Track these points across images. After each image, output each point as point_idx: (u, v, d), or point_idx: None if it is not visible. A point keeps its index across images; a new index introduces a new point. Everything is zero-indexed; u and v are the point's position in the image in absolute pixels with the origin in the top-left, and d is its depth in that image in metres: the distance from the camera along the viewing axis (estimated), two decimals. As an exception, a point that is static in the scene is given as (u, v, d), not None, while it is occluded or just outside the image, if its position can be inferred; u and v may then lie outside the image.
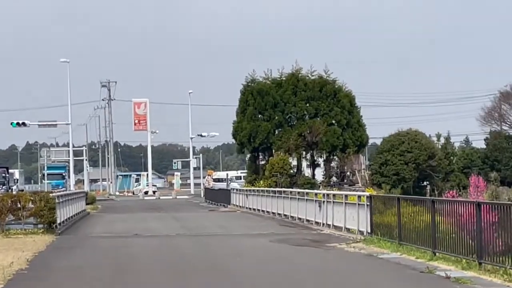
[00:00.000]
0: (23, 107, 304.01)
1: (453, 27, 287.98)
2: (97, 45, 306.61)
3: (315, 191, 34.10)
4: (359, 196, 25.62)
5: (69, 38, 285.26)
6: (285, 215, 37.31)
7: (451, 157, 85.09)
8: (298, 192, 35.22)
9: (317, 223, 31.26)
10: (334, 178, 74.05)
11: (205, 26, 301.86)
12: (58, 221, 32.04)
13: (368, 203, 24.25)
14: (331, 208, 28.94)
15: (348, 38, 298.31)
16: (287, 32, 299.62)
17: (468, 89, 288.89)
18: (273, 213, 40.04)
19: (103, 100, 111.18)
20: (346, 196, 27.22)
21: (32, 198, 30.05)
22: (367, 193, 24.55)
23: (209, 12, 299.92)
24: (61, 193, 36.22)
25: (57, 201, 32.05)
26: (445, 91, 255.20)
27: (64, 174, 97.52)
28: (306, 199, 33.09)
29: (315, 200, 31.40)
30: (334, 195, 29.04)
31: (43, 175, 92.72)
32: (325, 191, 32.11)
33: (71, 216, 38.38)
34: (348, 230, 26.94)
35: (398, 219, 21.67)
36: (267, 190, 42.72)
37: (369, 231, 24.35)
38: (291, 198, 36.24)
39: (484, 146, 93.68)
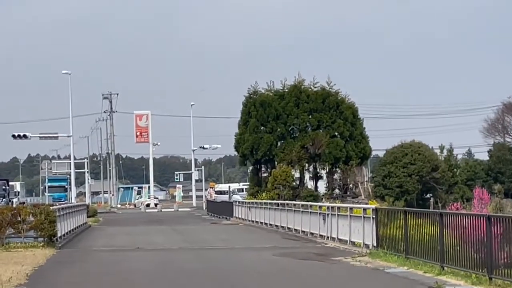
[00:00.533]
0: (24, 119, 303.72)
1: (456, 38, 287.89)
2: (98, 57, 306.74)
3: (319, 203, 33.67)
4: (365, 209, 25.18)
5: (71, 50, 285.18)
6: (288, 228, 36.84)
7: (455, 169, 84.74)
8: (302, 205, 34.77)
9: (321, 236, 30.81)
10: (337, 191, 73.69)
11: (207, 37, 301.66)
12: (59, 234, 31.64)
13: (374, 216, 23.81)
14: (335, 221, 28.51)
15: (350, 49, 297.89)
16: (290, 43, 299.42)
17: (471, 101, 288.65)
18: (276, 226, 39.57)
19: (104, 112, 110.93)
20: (351, 208, 26.78)
21: (32, 211, 29.62)
22: (373, 206, 24.10)
23: (212, 23, 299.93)
24: (62, 206, 35.79)
25: (57, 214, 31.64)
26: (448, 102, 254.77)
27: (66, 186, 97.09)
28: (310, 212, 32.64)
29: (319, 213, 30.95)
30: (338, 207, 28.59)
31: (45, 187, 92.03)
32: (329, 204, 31.66)
33: (72, 229, 37.96)
34: (353, 243, 26.50)
35: (405, 233, 21.23)
36: (270, 203, 42.28)
37: (375, 244, 23.90)
38: (294, 210, 35.78)
39: (487, 158, 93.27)
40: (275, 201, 42.74)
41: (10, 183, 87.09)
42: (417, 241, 20.64)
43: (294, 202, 40.04)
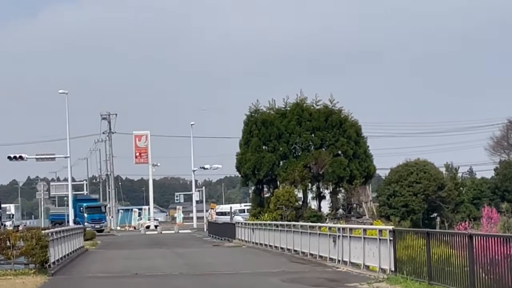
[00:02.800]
0: (22, 141, 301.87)
1: (460, 54, 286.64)
2: (96, 77, 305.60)
3: (329, 224, 31.75)
4: (380, 230, 23.28)
5: (68, 71, 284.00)
6: (295, 250, 34.95)
7: (461, 188, 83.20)
8: (310, 226, 32.84)
9: (331, 259, 28.90)
10: (340, 210, 72.05)
11: (206, 55, 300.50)
12: (52, 260, 29.72)
13: (391, 238, 21.92)
14: (347, 243, 26.59)
15: (353, 67, 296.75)
16: (291, 61, 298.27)
17: (475, 118, 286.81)
18: (281, 248, 37.67)
19: (103, 133, 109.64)
20: (365, 230, 24.86)
21: (22, 236, 27.65)
22: (390, 227, 22.22)
23: (210, 41, 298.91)
24: (56, 229, 33.87)
25: (50, 238, 29.75)
26: (451, 120, 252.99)
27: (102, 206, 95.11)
28: (319, 234, 30.72)
29: (329, 235, 29.05)
30: (351, 229, 26.67)
31: (80, 208, 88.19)
32: (340, 225, 29.72)
33: (67, 254, 36.06)
34: (367, 267, 24.57)
35: (428, 256, 19.31)
36: (275, 224, 40.39)
37: (392, 269, 21.96)
38: (302, 232, 33.86)
39: (491, 176, 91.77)
40: (280, 222, 40.92)
41: (4, 205, 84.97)
42: (442, 265, 18.75)
43: (300, 223, 38.18)
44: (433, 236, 19.50)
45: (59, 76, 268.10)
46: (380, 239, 23.03)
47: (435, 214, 79.07)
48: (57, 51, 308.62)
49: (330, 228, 29.43)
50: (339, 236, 27.68)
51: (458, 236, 17.82)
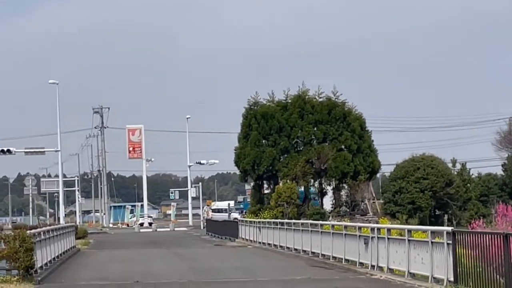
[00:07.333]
0: (11, 136, 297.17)
1: (468, 49, 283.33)
2: (89, 71, 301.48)
3: (359, 224, 27.89)
4: (433, 232, 19.41)
5: (61, 64, 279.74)
6: (313, 252, 31.13)
7: (468, 184, 79.85)
8: (333, 226, 28.92)
9: (361, 264, 25.08)
10: (343, 207, 68.83)
11: (204, 46, 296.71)
12: (39, 264, 25.86)
13: (450, 242, 18.09)
14: (384, 247, 22.74)
15: (357, 60, 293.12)
16: (292, 53, 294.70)
17: (482, 113, 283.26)
18: (295, 249, 33.89)
19: (95, 128, 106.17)
20: (409, 231, 20.97)
21: (3, 237, 23.62)
22: (448, 228, 18.43)
23: (209, 32, 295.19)
24: (43, 229, 29.93)
25: (37, 239, 25.86)
26: (456, 114, 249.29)
27: None
28: (345, 234, 26.84)
29: (359, 236, 25.17)
30: (389, 229, 22.77)
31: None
32: (374, 225, 25.84)
33: (57, 256, 32.32)
34: (412, 275, 20.71)
35: (508, 265, 15.46)
36: (287, 223, 36.61)
37: (451, 278, 18.10)
38: (322, 232, 30.00)
39: (501, 173, 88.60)
40: (293, 221, 37.17)
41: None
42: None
43: (320, 222, 34.33)
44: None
45: (51, 72, 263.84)
46: (432, 242, 19.16)
47: (441, 212, 75.86)
48: (48, 46, 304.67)
49: (359, 228, 25.52)
50: (372, 237, 23.85)
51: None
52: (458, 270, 17.69)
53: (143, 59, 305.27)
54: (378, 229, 23.65)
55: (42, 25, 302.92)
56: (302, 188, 66.82)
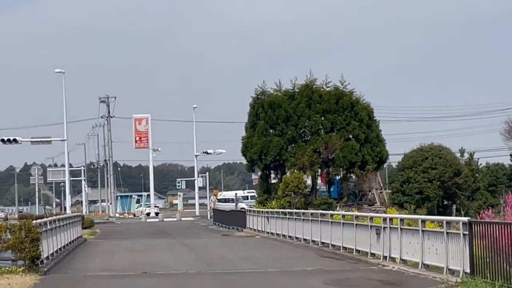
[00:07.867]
0: (17, 125, 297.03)
1: (476, 39, 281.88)
2: (95, 59, 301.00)
3: (370, 214, 27.39)
4: (448, 222, 18.93)
5: (67, 55, 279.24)
6: (322, 243, 30.68)
7: (476, 174, 79.26)
8: (344, 216, 28.45)
9: (373, 255, 24.64)
10: (351, 197, 68.39)
11: (211, 38, 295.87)
12: (45, 255, 25.44)
13: (466, 232, 17.62)
14: (396, 237, 22.27)
15: (364, 49, 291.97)
16: (302, 43, 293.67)
17: (490, 102, 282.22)
18: (305, 239, 33.45)
19: (102, 117, 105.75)
20: (423, 221, 20.49)
21: (9, 227, 23.20)
22: (465, 219, 17.93)
23: (216, 23, 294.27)
24: (50, 218, 29.47)
25: (43, 229, 25.45)
26: (462, 104, 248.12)
27: None
28: (356, 224, 26.38)
29: (370, 226, 24.70)
30: (402, 219, 22.30)
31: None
32: (387, 215, 25.40)
33: (64, 246, 31.93)
34: (426, 267, 20.24)
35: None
36: (296, 213, 36.12)
37: (467, 270, 17.62)
38: (332, 222, 29.53)
39: (509, 162, 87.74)
40: (302, 211, 36.69)
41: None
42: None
43: (330, 212, 33.84)
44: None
45: (57, 59, 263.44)
46: (448, 233, 18.68)
47: (449, 202, 75.39)
48: (55, 34, 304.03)
49: (371, 218, 25.05)
50: (384, 227, 23.38)
51: None
52: (475, 261, 17.21)
53: (153, 48, 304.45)
54: (391, 219, 23.17)
55: (46, 11, 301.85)
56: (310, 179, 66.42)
